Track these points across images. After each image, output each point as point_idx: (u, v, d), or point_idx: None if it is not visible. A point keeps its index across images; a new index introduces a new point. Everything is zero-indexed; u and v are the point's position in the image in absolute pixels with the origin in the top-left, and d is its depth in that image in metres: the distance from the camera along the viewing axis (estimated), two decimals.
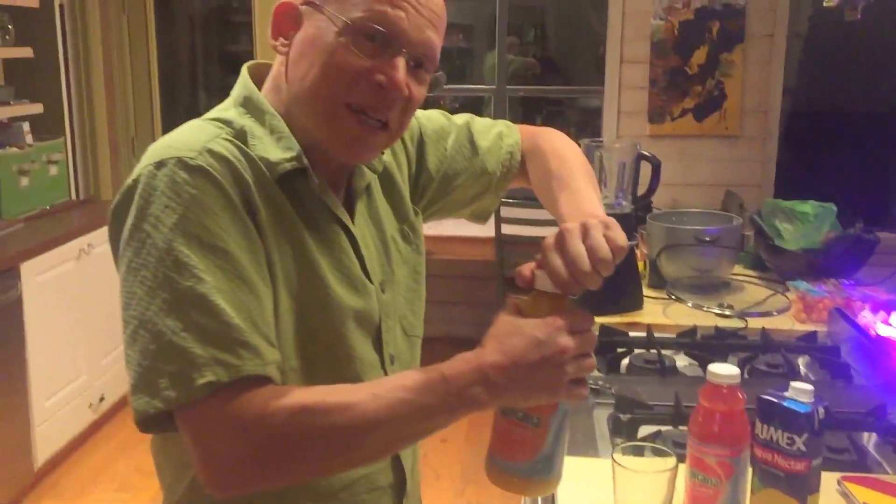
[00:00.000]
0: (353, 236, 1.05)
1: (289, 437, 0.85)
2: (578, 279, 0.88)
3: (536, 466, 0.92)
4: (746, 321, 1.98)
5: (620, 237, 0.93)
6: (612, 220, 0.95)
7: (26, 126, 3.58)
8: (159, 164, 0.89)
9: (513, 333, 0.87)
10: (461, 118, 1.30)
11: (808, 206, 2.41)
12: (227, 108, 1.01)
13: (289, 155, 0.97)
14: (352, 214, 1.07)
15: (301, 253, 0.97)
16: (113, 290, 3.68)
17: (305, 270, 0.97)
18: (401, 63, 0.96)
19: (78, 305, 3.40)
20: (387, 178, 1.15)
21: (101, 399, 3.59)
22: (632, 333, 1.93)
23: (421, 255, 1.20)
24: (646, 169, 2.33)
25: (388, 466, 1.09)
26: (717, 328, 1.92)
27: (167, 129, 5.04)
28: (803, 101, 5.19)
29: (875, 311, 1.87)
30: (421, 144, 1.23)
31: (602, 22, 4.61)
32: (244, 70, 1.05)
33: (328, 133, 0.98)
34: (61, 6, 4.41)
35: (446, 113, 1.30)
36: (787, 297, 2.14)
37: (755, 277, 2.39)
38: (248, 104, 1.01)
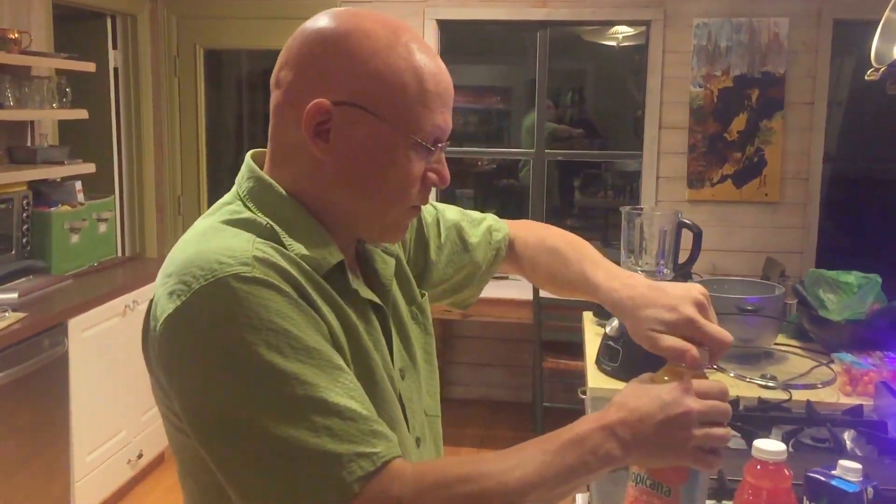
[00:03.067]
0: (384, 318, 1.06)
1: None
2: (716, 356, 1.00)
3: None
4: (790, 393, 1.96)
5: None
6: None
7: (79, 185, 3.69)
8: (213, 283, 0.86)
9: (639, 395, 0.93)
10: (452, 210, 1.33)
11: (851, 277, 2.39)
12: (237, 206, 0.99)
13: (330, 249, 0.98)
14: (383, 298, 1.08)
15: (356, 342, 0.98)
16: None
17: (360, 358, 0.98)
18: (443, 156, 1.02)
19: (121, 361, 3.45)
20: (397, 261, 1.16)
21: (140, 455, 3.62)
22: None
23: (430, 336, 1.21)
24: (686, 235, 2.34)
25: None
26: (760, 400, 1.90)
27: (212, 188, 5.13)
28: (845, 168, 5.18)
29: None
30: (421, 231, 1.26)
31: (640, 87, 4.66)
32: (251, 161, 1.03)
33: (382, 229, 1.02)
34: (115, 69, 4.59)
35: (436, 203, 1.32)
36: (832, 369, 2.11)
37: (798, 348, 2.36)
38: (260, 198, 0.98)
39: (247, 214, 0.97)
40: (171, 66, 4.79)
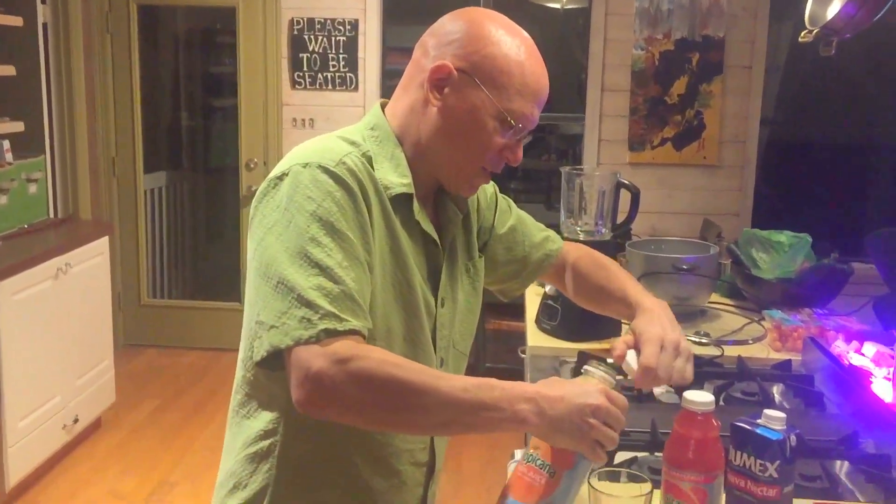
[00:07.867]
0: (436, 253, 1.31)
1: (372, 379, 1.06)
2: (651, 385, 1.29)
3: None
4: (723, 349, 2.00)
5: (691, 372, 1.29)
6: (691, 352, 1.31)
7: (6, 144, 3.56)
8: (305, 165, 1.17)
9: (565, 384, 1.12)
10: (524, 213, 1.58)
11: (783, 237, 2.44)
12: (357, 131, 1.28)
13: (404, 181, 1.24)
14: (441, 238, 1.31)
15: (398, 251, 1.23)
16: (88, 310, 3.57)
17: (400, 264, 1.24)
18: (521, 142, 1.27)
19: (54, 325, 3.37)
20: (465, 218, 1.40)
21: (76, 420, 3.55)
22: (609, 360, 1.93)
23: (478, 294, 1.43)
24: (625, 197, 2.36)
25: (426, 448, 1.34)
26: (693, 356, 1.93)
27: (148, 149, 5.00)
28: (781, 132, 5.27)
29: (848, 340, 1.90)
30: (494, 208, 1.50)
31: (584, 50, 4.67)
32: (378, 106, 1.32)
33: (457, 179, 1.28)
34: (45, 25, 4.41)
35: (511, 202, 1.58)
36: (763, 326, 2.16)
37: (731, 306, 2.41)
38: (375, 131, 1.28)
39: (357, 137, 1.26)
40: (103, 21, 4.64)
